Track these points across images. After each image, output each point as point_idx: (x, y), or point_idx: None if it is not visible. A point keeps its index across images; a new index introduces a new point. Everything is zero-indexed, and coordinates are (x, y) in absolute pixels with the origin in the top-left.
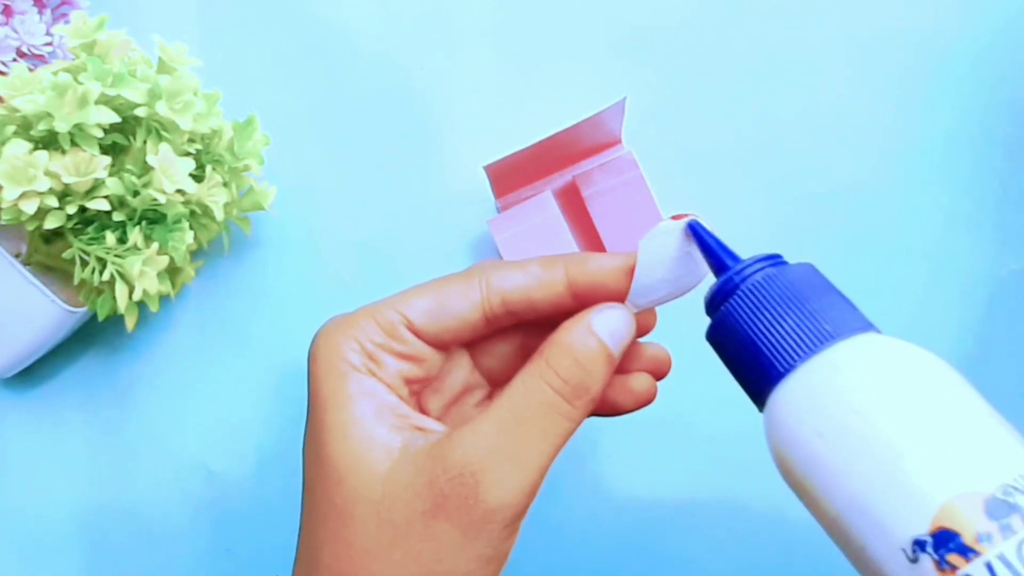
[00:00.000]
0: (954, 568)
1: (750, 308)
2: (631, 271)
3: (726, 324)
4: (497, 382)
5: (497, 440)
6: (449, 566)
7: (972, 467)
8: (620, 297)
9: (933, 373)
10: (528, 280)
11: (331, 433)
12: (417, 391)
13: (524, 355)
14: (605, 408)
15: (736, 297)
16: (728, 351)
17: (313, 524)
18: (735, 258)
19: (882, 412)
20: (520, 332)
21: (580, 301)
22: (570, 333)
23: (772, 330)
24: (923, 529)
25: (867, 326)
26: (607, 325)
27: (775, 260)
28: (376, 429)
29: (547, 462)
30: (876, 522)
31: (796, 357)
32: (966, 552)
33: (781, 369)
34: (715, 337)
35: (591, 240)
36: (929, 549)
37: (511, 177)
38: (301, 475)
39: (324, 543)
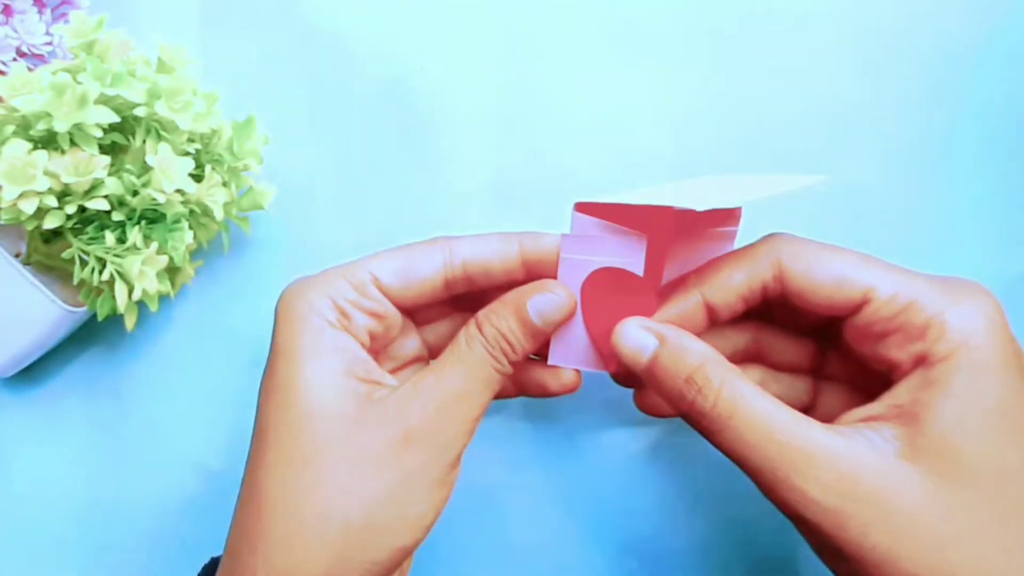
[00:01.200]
0: None
1: None
2: None
3: None
4: (436, 355)
5: (454, 385)
6: (415, 490)
7: None
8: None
9: None
10: (487, 249)
11: (305, 383)
12: (375, 350)
13: None
14: (534, 389)
15: None
16: None
17: (276, 466)
18: None
19: None
20: (460, 317)
21: (531, 273)
22: (506, 304)
23: None
24: None
25: None
26: (538, 303)
27: None
28: (348, 381)
29: (487, 402)
30: None
31: None
32: None
33: None
34: None
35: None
36: None
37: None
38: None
39: (291, 482)
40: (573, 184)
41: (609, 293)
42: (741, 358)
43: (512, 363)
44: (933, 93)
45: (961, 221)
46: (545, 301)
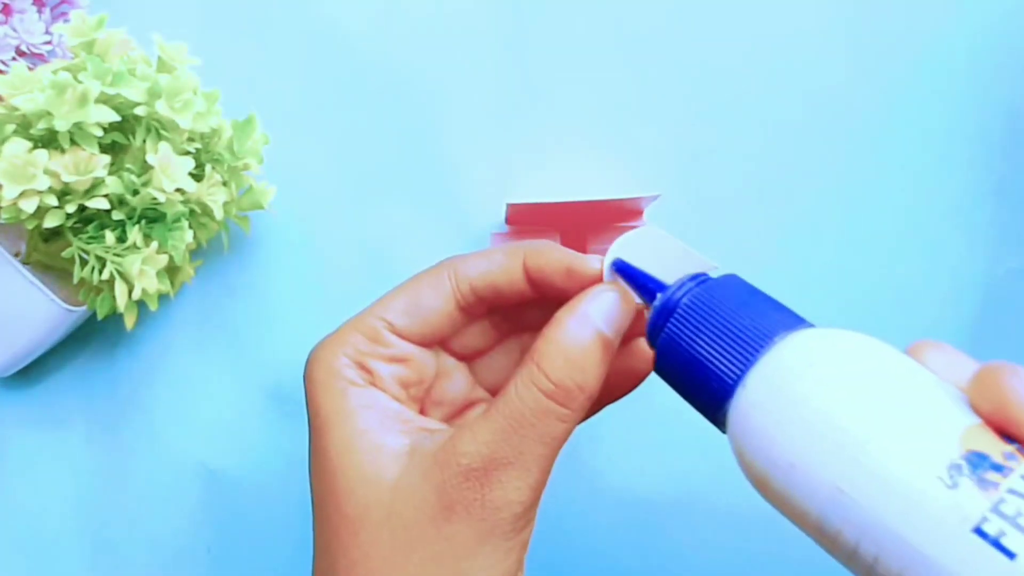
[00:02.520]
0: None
1: (686, 332)
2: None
3: (668, 354)
4: (496, 393)
5: (496, 448)
6: (470, 563)
7: (930, 443)
8: (570, 293)
9: (875, 356)
10: (491, 267)
11: (336, 448)
12: (418, 396)
13: None
14: (621, 385)
15: (670, 325)
16: (676, 380)
17: (326, 538)
18: (662, 287)
19: (836, 403)
20: (518, 343)
21: (536, 287)
22: (562, 327)
23: (712, 348)
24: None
25: (800, 322)
26: (603, 311)
27: (700, 279)
28: (383, 438)
29: (548, 463)
30: (856, 515)
31: (740, 368)
32: None
33: (730, 382)
34: (662, 369)
35: None
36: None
37: (527, 216)
38: (308, 486)
39: (339, 554)
40: (573, 182)
41: None
42: None
43: (585, 403)
44: (927, 93)
45: (950, 220)
46: (609, 303)
